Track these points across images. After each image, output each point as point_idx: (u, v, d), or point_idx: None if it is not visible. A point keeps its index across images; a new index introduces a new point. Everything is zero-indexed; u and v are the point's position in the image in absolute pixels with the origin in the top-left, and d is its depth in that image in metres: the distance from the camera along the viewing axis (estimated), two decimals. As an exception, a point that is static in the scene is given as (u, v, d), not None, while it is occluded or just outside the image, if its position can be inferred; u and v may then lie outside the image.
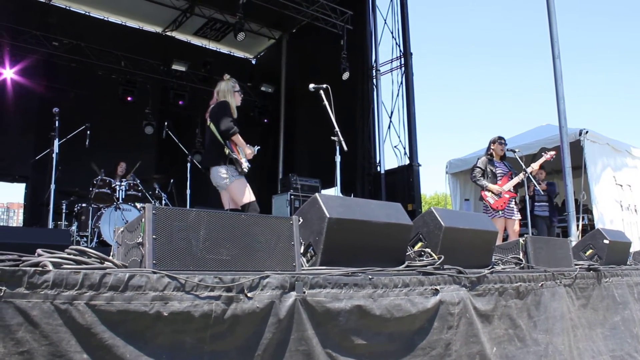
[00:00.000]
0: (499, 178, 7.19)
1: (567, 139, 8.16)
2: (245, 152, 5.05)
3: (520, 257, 4.32)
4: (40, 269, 1.98)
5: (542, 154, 7.36)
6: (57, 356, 1.92)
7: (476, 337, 3.35)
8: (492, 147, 7.45)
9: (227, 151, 5.01)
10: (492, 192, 7.08)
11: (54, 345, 1.92)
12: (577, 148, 9.28)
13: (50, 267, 2.02)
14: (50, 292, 1.95)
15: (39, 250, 2.22)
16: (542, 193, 8.89)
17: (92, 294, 2.01)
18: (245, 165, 5.00)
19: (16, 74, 10.76)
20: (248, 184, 5.06)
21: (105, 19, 12.79)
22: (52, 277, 1.96)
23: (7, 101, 10.75)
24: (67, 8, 12.21)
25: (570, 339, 4.15)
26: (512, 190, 7.17)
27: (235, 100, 5.28)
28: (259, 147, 5.18)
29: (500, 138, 7.45)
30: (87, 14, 12.47)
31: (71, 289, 1.99)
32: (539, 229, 8.76)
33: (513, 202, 7.19)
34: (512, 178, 7.25)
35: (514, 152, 7.57)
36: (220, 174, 5.00)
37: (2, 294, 1.86)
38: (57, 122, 6.46)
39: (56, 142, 6.41)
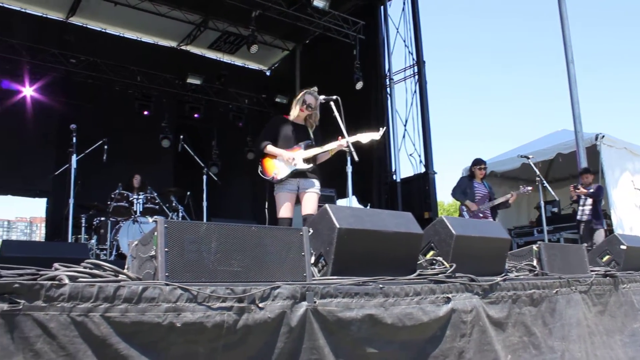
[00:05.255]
0: (477, 197, 7.43)
1: (582, 144, 8.12)
2: (284, 159, 5.03)
3: (534, 264, 4.30)
4: (56, 282, 2.04)
5: (520, 187, 7.36)
6: (74, 367, 1.97)
7: (490, 345, 3.34)
8: (472, 169, 7.69)
9: (259, 170, 5.09)
10: (469, 208, 7.37)
11: (71, 356, 1.97)
12: (593, 153, 9.19)
13: (67, 281, 2.08)
14: (66, 304, 2.00)
15: (56, 265, 2.28)
16: (584, 197, 8.70)
17: (107, 306, 2.07)
18: (281, 173, 4.98)
19: (35, 92, 10.97)
20: (286, 199, 5.00)
21: (121, 35, 12.99)
22: (68, 291, 2.02)
23: (27, 118, 10.94)
24: (84, 26, 12.42)
25: (587, 346, 4.11)
26: (487, 211, 7.36)
27: (294, 113, 5.21)
28: (308, 142, 5.12)
29: (478, 162, 7.66)
30: (103, 30, 12.67)
31: (87, 301, 2.04)
32: (581, 234, 8.63)
33: None
34: (489, 199, 7.45)
35: (528, 158, 7.56)
36: None
37: (21, 307, 1.91)
38: (74, 138, 6.58)
39: (74, 158, 6.52)
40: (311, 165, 5.07)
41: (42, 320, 1.95)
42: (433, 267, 3.64)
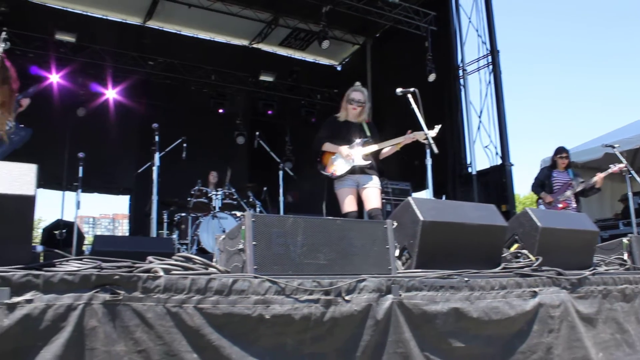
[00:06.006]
0: (555, 189, 7.19)
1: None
2: (342, 156, 5.05)
3: (625, 257, 4.10)
4: (152, 274, 2.13)
5: (610, 166, 6.97)
6: (170, 355, 2.05)
7: (580, 341, 3.23)
8: (553, 158, 7.45)
9: (318, 167, 5.12)
10: (544, 201, 7.16)
11: (167, 345, 2.05)
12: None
13: (162, 273, 2.17)
14: (162, 296, 2.09)
15: (150, 258, 2.38)
16: None
17: (199, 298, 2.14)
18: (340, 169, 5.00)
19: (118, 94, 11.46)
20: (348, 193, 5.00)
21: (195, 36, 13.33)
22: (163, 283, 2.10)
23: (110, 120, 11.44)
24: (160, 29, 12.83)
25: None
26: (568, 200, 7.06)
27: (345, 112, 5.20)
28: (366, 139, 5.11)
29: (559, 151, 7.40)
30: (178, 32, 13.06)
31: (180, 293, 2.12)
32: None
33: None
34: (570, 188, 7.13)
35: (613, 147, 7.21)
36: None
37: (121, 298, 2.01)
38: (157, 137, 6.80)
39: (157, 156, 6.74)
40: (370, 161, 5.04)
41: (140, 310, 2.04)
42: (518, 260, 3.56)
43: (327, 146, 5.10)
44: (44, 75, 10.14)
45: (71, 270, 2.06)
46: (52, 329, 1.90)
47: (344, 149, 5.01)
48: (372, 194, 5.02)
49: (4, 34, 3.76)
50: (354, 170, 5.00)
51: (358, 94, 5.16)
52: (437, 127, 4.74)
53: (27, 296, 1.89)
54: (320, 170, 5.15)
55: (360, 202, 5.09)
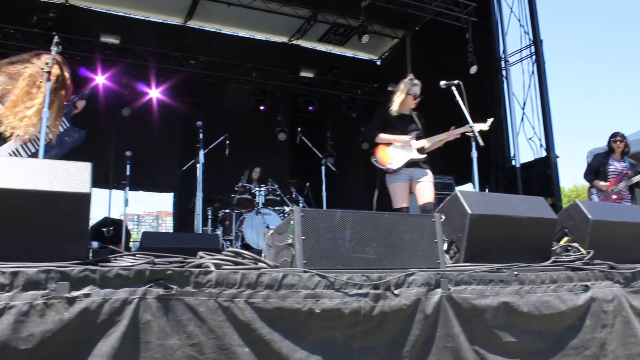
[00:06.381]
0: (609, 177, 6.78)
1: None
2: (400, 144, 4.97)
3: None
4: (204, 269, 2.16)
5: None
6: (222, 349, 2.09)
7: (635, 337, 3.14)
8: (609, 143, 7.01)
9: (372, 160, 5.11)
10: (600, 190, 6.77)
11: (220, 339, 2.09)
12: None
13: (213, 268, 2.20)
14: (213, 290, 2.12)
15: (200, 253, 2.42)
16: None
17: (250, 292, 2.17)
18: (396, 163, 4.97)
19: (161, 93, 11.66)
20: (401, 189, 4.98)
21: (235, 34, 13.45)
22: (214, 277, 2.14)
23: (153, 119, 11.65)
24: (201, 28, 13.00)
25: None
26: (622, 192, 6.69)
27: (399, 104, 5.16)
28: (419, 132, 5.07)
29: (614, 135, 6.95)
30: (218, 31, 13.20)
31: (231, 287, 2.15)
32: None
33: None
34: (625, 179, 6.70)
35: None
36: None
37: (174, 292, 2.05)
38: (201, 134, 6.91)
39: (201, 153, 6.86)
40: (425, 155, 5.01)
41: (192, 304, 2.08)
42: (568, 253, 3.49)
43: (383, 136, 5.09)
44: (91, 77, 10.39)
45: (126, 265, 2.11)
46: (109, 322, 1.96)
47: (401, 137, 5.00)
48: (426, 187, 5.00)
49: (56, 38, 3.87)
50: (409, 164, 4.98)
51: (418, 87, 5.17)
52: (490, 121, 4.70)
53: (85, 290, 1.94)
54: (375, 163, 5.13)
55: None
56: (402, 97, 5.12)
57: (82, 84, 9.16)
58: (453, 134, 4.81)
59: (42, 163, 2.15)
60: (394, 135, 5.01)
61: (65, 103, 4.10)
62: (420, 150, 4.99)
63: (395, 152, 5.00)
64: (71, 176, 2.12)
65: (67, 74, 4.06)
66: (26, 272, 1.87)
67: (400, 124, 5.10)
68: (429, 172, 5.06)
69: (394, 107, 5.15)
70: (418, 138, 5.03)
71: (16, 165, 2.11)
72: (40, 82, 3.75)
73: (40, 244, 2.09)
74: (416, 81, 5.20)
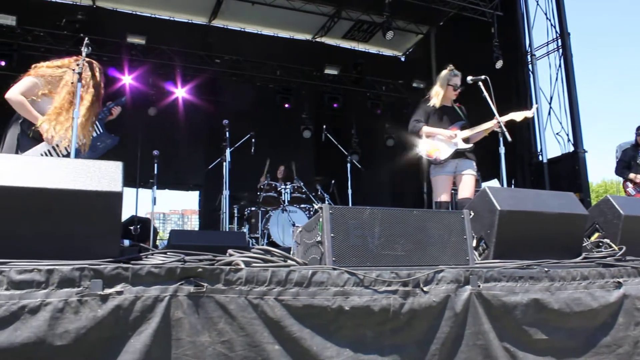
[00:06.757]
0: None
1: None
2: (445, 138, 4.98)
3: None
4: (234, 267, 2.18)
5: None
6: (253, 346, 2.10)
7: (670, 334, 3.07)
8: (636, 137, 7.08)
9: (418, 152, 5.12)
10: (635, 183, 6.77)
11: (250, 336, 2.10)
12: None
13: (243, 266, 2.21)
14: (243, 288, 2.14)
15: (230, 251, 2.44)
16: None
17: (279, 290, 2.17)
18: (443, 153, 4.95)
19: (187, 93, 11.77)
20: (445, 182, 5.01)
21: (259, 32, 13.50)
22: (244, 275, 2.15)
23: (179, 118, 11.77)
24: (225, 27, 13.08)
25: None
26: None
27: (440, 95, 5.14)
28: (463, 122, 5.05)
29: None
30: (242, 30, 13.27)
31: (261, 285, 2.16)
32: None
33: None
34: None
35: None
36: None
37: (204, 290, 2.07)
38: (227, 133, 6.96)
39: (228, 151, 6.91)
40: (471, 145, 5.01)
41: (223, 302, 2.10)
42: (599, 250, 3.43)
43: (427, 129, 5.10)
44: (118, 77, 10.53)
45: (157, 263, 2.14)
46: (140, 319, 1.98)
47: (446, 131, 5.01)
48: (468, 182, 5.02)
49: (86, 40, 3.94)
50: (456, 154, 5.00)
51: (458, 78, 5.16)
52: (535, 107, 4.72)
53: (118, 288, 1.97)
54: (422, 154, 5.13)
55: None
56: (443, 89, 5.12)
57: (110, 85, 9.28)
58: (496, 123, 4.80)
59: (75, 163, 2.19)
60: (438, 129, 5.03)
61: (100, 109, 4.16)
62: (466, 140, 4.99)
63: (441, 143, 5.04)
64: (103, 175, 2.15)
65: (101, 80, 4.12)
66: (61, 270, 1.91)
67: (443, 117, 5.13)
68: (474, 163, 5.09)
69: (436, 100, 5.16)
70: (462, 128, 5.04)
71: (50, 165, 2.15)
72: (82, 92, 3.82)
73: (73, 242, 2.13)
74: (456, 72, 5.20)
